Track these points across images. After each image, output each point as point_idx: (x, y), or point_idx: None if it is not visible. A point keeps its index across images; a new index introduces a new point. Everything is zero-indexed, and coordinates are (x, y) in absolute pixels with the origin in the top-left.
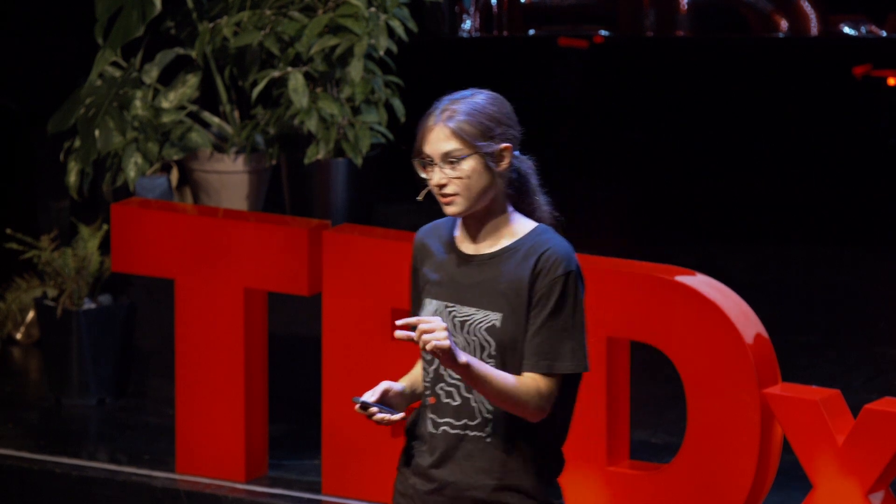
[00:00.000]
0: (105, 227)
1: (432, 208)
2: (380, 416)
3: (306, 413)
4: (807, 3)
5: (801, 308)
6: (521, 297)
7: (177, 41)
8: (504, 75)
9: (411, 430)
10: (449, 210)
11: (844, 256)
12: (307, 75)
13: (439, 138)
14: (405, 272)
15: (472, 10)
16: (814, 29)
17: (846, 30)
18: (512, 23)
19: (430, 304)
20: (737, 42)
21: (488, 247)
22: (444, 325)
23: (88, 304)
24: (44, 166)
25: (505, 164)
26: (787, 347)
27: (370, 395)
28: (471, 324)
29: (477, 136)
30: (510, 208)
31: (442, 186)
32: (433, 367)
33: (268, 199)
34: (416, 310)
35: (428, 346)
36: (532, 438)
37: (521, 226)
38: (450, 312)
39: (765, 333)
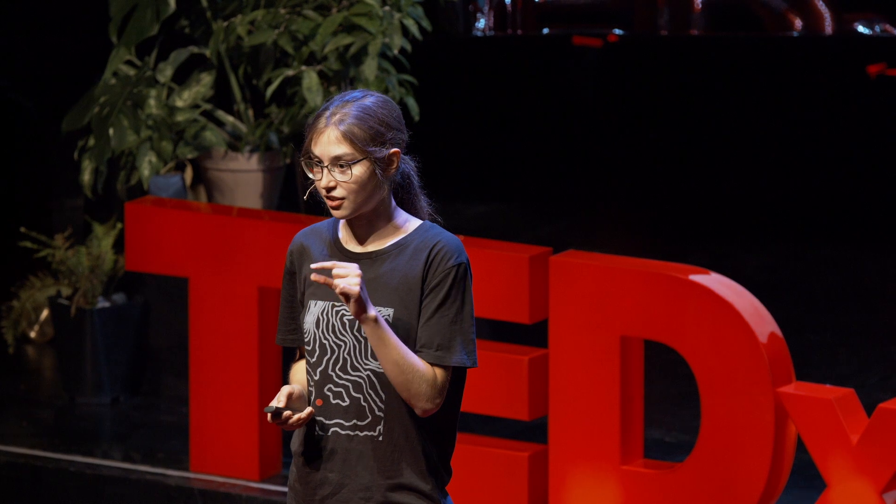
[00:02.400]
0: (119, 225)
1: (443, 208)
2: (295, 417)
3: None
4: (821, 2)
5: (815, 307)
6: (414, 292)
7: (191, 40)
8: (518, 74)
9: (297, 440)
10: (336, 213)
11: (859, 255)
12: (321, 74)
13: (330, 141)
14: None
15: (486, 8)
16: (828, 27)
17: (860, 28)
18: (526, 21)
19: (316, 306)
20: (751, 41)
21: (377, 245)
22: (359, 272)
23: (102, 303)
24: (58, 165)
25: (393, 168)
26: (801, 346)
27: (278, 402)
28: None
29: (368, 142)
30: (395, 206)
31: (330, 189)
32: (320, 367)
33: (282, 197)
34: (288, 314)
35: (338, 289)
36: (424, 437)
37: (409, 223)
38: (337, 312)
39: (779, 332)
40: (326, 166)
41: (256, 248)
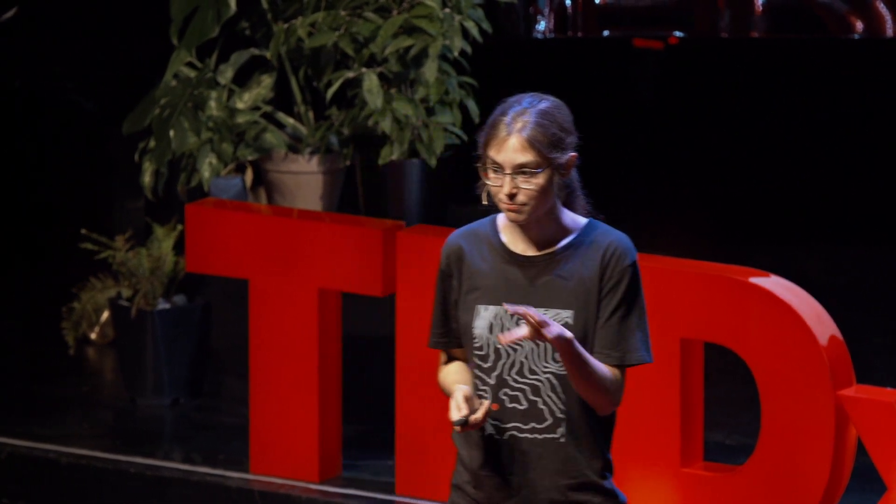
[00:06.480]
0: (179, 227)
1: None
2: (481, 412)
3: (379, 413)
4: (882, 4)
5: (876, 310)
6: (591, 293)
7: (252, 42)
8: (578, 76)
9: (465, 443)
10: (514, 217)
11: None
12: (381, 76)
13: (514, 149)
14: None
15: (546, 10)
16: (889, 30)
17: None
18: (586, 24)
19: (487, 310)
20: (812, 43)
21: (547, 247)
22: (548, 318)
23: (163, 305)
24: (118, 167)
25: (570, 172)
26: (862, 349)
27: (462, 412)
28: None
29: (550, 148)
30: (560, 206)
31: (512, 196)
32: (496, 372)
33: (342, 199)
34: (441, 316)
35: (550, 336)
36: (599, 435)
37: (575, 222)
38: (512, 316)
39: (839, 335)
40: (509, 173)
41: (317, 249)
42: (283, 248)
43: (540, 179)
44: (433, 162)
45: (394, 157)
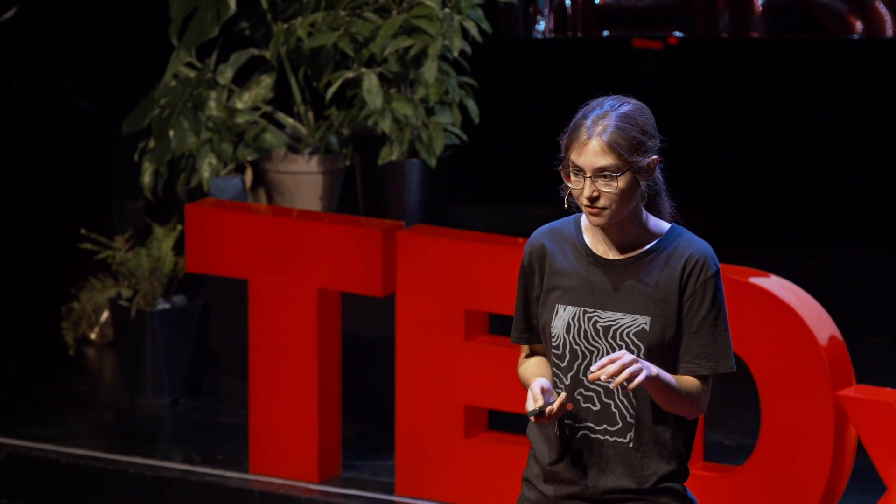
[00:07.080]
0: (179, 227)
1: (503, 210)
2: (556, 404)
3: (379, 413)
4: (882, 4)
5: (876, 310)
6: (671, 300)
7: (251, 42)
8: (578, 77)
9: (538, 439)
10: (595, 221)
11: None
12: (381, 76)
13: (595, 152)
14: (479, 273)
15: (546, 11)
16: (889, 30)
17: None
18: (586, 24)
19: (566, 311)
20: (811, 43)
21: (629, 251)
22: (631, 358)
23: (162, 305)
24: (118, 167)
25: (652, 175)
26: (862, 349)
27: (538, 403)
28: (617, 329)
29: (631, 152)
30: (643, 210)
31: (593, 200)
32: (571, 372)
33: (342, 199)
34: (523, 313)
35: (631, 386)
36: (674, 439)
37: (658, 227)
38: (589, 318)
39: (839, 335)
40: (589, 177)
41: (316, 250)
42: (283, 249)
43: (620, 183)
44: (433, 162)
45: (393, 157)
